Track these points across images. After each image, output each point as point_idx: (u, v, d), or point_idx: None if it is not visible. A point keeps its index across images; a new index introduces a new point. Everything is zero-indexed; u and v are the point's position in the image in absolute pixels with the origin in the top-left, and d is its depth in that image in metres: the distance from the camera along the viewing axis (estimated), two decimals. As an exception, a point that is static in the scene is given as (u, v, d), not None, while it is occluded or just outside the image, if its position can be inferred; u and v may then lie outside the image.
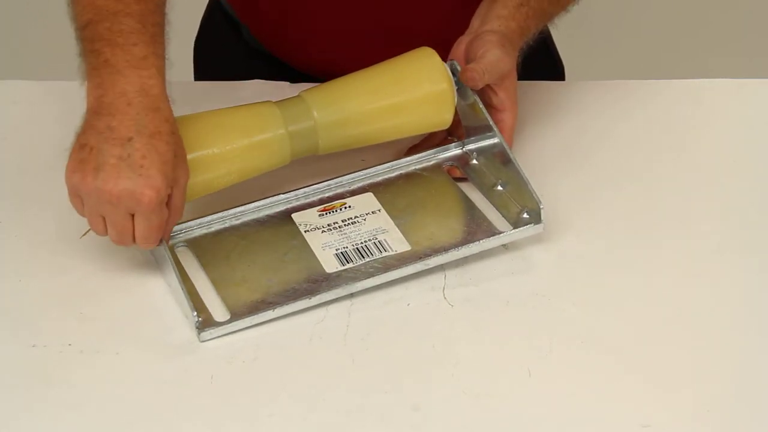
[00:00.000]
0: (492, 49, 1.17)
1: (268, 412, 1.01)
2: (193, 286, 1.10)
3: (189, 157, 1.10)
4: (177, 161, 1.06)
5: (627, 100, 1.30)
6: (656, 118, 1.31)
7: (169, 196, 1.06)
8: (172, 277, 1.08)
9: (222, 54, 1.47)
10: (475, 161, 1.20)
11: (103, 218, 1.06)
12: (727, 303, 1.10)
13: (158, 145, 1.04)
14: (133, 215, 1.05)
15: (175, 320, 1.08)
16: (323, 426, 1.00)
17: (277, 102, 1.17)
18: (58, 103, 1.35)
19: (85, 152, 1.04)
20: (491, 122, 1.16)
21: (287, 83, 1.37)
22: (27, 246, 1.17)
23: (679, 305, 1.10)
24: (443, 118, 1.20)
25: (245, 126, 1.15)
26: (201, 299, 1.09)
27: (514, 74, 1.19)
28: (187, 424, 1.00)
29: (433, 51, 1.20)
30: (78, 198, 1.06)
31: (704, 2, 2.76)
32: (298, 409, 1.01)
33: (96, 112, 1.05)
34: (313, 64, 1.38)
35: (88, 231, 1.17)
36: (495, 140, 1.16)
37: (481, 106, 1.17)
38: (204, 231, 1.15)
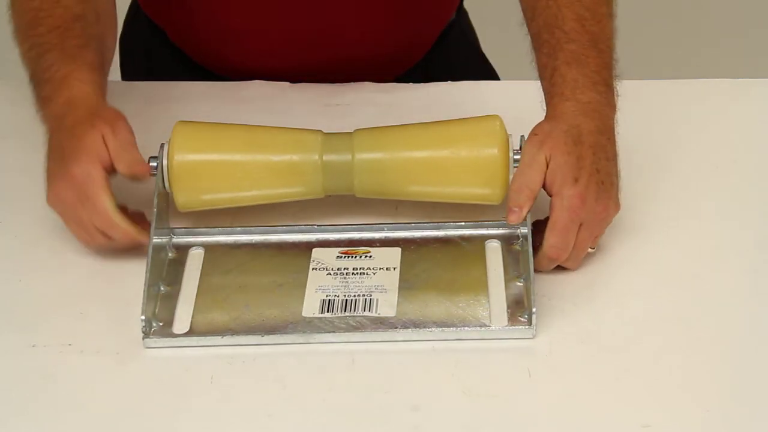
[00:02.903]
0: (518, 169, 1.11)
1: (268, 412, 1.01)
2: (179, 290, 1.11)
3: (214, 158, 1.12)
4: (91, 120, 1.10)
5: (627, 100, 1.30)
6: (657, 118, 1.31)
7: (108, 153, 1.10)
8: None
9: (147, 57, 1.47)
10: (518, 247, 1.14)
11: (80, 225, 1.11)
12: (727, 303, 1.10)
13: (76, 130, 1.10)
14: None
15: (175, 320, 1.08)
16: (323, 426, 1.00)
17: (327, 133, 1.15)
18: (58, 103, 1.34)
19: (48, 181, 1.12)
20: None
21: (287, 84, 1.37)
22: (27, 246, 1.17)
23: (679, 305, 1.10)
24: (492, 190, 1.13)
25: (280, 144, 1.14)
26: (174, 306, 1.09)
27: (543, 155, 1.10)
28: (187, 424, 1.00)
29: (499, 117, 1.14)
30: (65, 218, 1.13)
31: (704, 2, 2.76)
32: (297, 409, 1.01)
33: (51, 134, 1.14)
34: (229, 68, 1.38)
35: (88, 231, 1.17)
36: (525, 230, 1.11)
37: None
38: (225, 239, 1.16)
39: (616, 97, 1.15)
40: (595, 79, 1.13)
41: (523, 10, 1.20)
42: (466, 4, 1.51)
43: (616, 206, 1.11)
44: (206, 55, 1.40)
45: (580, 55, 1.14)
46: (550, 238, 1.09)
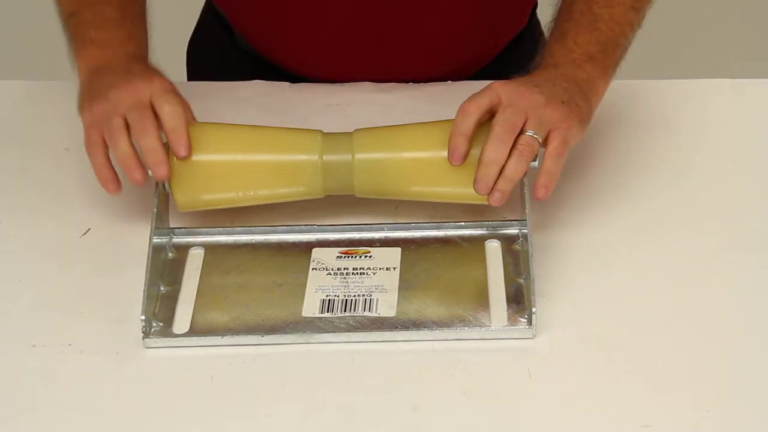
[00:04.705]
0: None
1: (268, 412, 1.01)
2: (179, 290, 1.11)
3: (214, 159, 1.12)
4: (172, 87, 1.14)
5: (627, 100, 1.30)
6: (656, 118, 1.31)
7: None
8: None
9: (215, 57, 1.47)
10: (518, 247, 1.14)
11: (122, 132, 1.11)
12: (727, 303, 1.10)
13: (148, 72, 1.15)
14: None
15: (175, 320, 1.08)
16: (323, 426, 1.00)
17: (327, 133, 1.15)
18: (58, 103, 1.35)
19: (94, 98, 1.13)
20: (527, 211, 1.11)
21: (287, 84, 1.37)
22: (27, 246, 1.17)
23: (679, 305, 1.10)
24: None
25: (280, 144, 1.14)
26: (174, 306, 1.09)
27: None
28: (187, 424, 1.00)
29: None
30: (96, 130, 1.12)
31: (704, 3, 2.76)
32: (297, 409, 1.01)
33: (93, 73, 1.15)
34: (311, 69, 1.38)
35: (87, 231, 1.18)
36: (526, 230, 1.12)
37: (526, 191, 1.11)
38: (225, 239, 1.16)
39: (602, 72, 1.17)
40: (572, 49, 1.17)
41: None
42: (540, 13, 1.49)
43: (565, 108, 1.11)
44: (273, 50, 1.40)
45: (568, 31, 1.18)
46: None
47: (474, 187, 1.09)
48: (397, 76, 1.37)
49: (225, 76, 1.39)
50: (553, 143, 1.10)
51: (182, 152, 1.10)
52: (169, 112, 1.11)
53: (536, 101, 1.10)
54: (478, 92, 1.11)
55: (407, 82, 1.37)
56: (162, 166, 1.10)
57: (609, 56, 1.19)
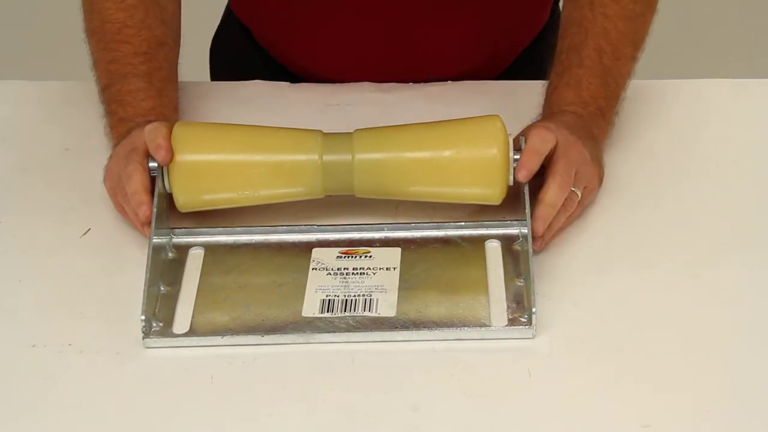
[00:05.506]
0: (530, 131, 1.14)
1: (268, 412, 1.01)
2: (179, 290, 1.11)
3: (214, 159, 1.13)
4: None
5: (627, 100, 1.30)
6: (656, 118, 1.31)
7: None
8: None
9: (236, 58, 1.48)
10: (518, 247, 1.13)
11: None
12: (727, 303, 1.10)
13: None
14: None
15: (175, 320, 1.08)
16: (323, 426, 1.00)
17: (327, 133, 1.15)
18: (58, 103, 1.35)
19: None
20: (527, 211, 1.11)
21: (287, 84, 1.37)
22: (27, 246, 1.17)
23: (679, 305, 1.10)
24: (492, 191, 1.13)
25: (281, 144, 1.14)
26: (174, 306, 1.09)
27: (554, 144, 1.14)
28: (187, 424, 1.00)
29: (499, 118, 1.13)
30: (114, 195, 1.16)
31: (704, 3, 2.76)
32: (297, 409, 1.01)
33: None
34: (325, 70, 1.38)
35: (87, 231, 1.18)
36: (526, 230, 1.11)
37: (526, 190, 1.11)
38: (225, 239, 1.16)
39: (608, 127, 1.22)
40: (588, 102, 1.19)
41: (560, 24, 1.25)
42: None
43: (596, 167, 1.16)
44: (292, 61, 1.41)
45: (582, 80, 1.20)
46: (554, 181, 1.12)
47: (533, 225, 1.10)
48: (410, 78, 1.37)
49: (246, 76, 1.39)
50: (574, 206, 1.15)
51: (158, 158, 1.11)
52: (148, 129, 1.13)
53: (584, 158, 1.14)
54: (538, 134, 1.13)
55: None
56: (142, 207, 1.11)
57: (612, 110, 1.22)
